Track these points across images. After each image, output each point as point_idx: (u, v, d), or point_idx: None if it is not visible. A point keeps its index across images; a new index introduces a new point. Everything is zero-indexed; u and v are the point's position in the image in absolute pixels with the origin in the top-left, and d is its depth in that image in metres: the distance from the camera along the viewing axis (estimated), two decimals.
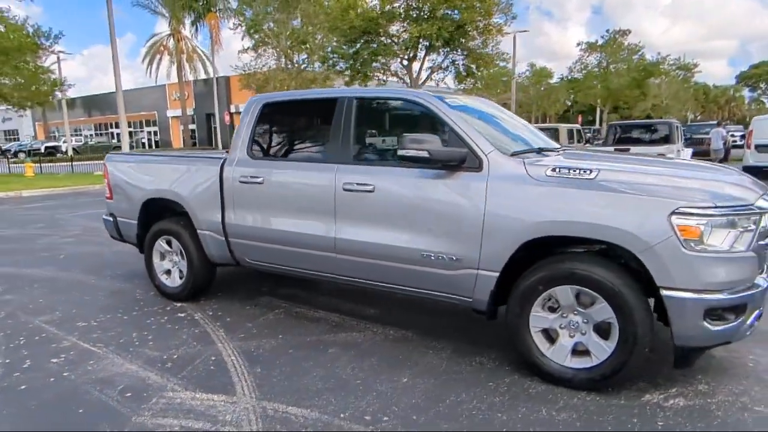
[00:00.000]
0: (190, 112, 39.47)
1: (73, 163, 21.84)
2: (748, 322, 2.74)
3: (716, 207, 2.61)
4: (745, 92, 74.05)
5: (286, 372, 3.24)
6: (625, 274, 2.79)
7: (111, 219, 5.18)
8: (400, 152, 3.16)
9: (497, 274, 3.06)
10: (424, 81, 23.45)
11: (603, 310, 2.81)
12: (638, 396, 2.87)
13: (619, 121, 18.54)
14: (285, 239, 3.91)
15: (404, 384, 3.06)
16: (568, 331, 2.97)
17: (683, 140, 13.95)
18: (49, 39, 18.55)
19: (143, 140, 48.02)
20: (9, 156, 29.69)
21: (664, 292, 2.65)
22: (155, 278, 4.81)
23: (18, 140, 49.52)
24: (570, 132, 14.64)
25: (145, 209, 4.78)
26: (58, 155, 33.73)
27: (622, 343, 2.77)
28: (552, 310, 3.01)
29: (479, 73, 23.57)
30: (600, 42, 41.90)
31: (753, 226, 2.67)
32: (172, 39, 35.58)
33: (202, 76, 39.17)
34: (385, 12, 20.78)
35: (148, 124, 48.22)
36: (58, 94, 24.50)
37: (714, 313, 2.63)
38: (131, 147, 37.02)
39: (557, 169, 2.96)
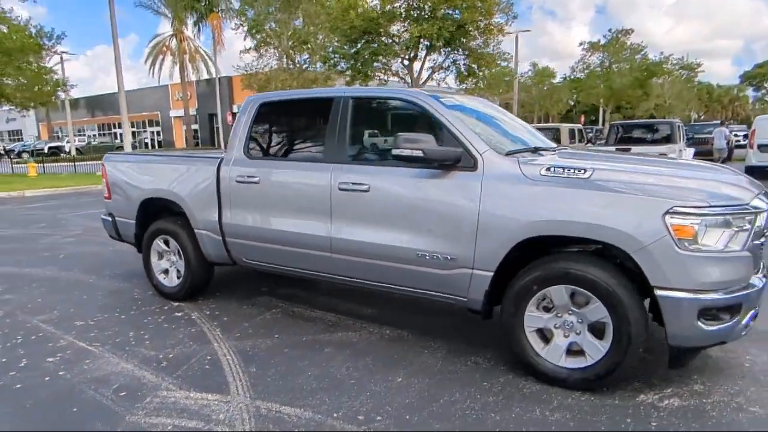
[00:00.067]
0: (192, 112, 39.59)
1: (76, 163, 21.90)
2: (744, 322, 2.73)
3: (711, 206, 2.60)
4: (749, 92, 73.69)
5: (281, 371, 3.24)
6: (619, 274, 2.78)
7: (109, 219, 5.19)
8: (395, 152, 3.16)
9: (492, 274, 3.05)
10: (425, 81, 23.43)
11: (597, 310, 2.80)
12: (633, 396, 2.86)
13: (621, 121, 18.49)
14: (281, 239, 3.91)
15: (398, 384, 3.06)
16: (562, 330, 2.97)
17: (685, 140, 13.91)
18: (51, 39, 18.63)
19: (146, 140, 48.14)
20: (12, 156, 29.78)
21: (658, 292, 2.64)
22: (153, 278, 4.82)
23: (22, 140, 49.72)
24: (571, 132, 14.61)
25: (143, 209, 4.79)
26: (62, 155, 33.83)
27: (616, 343, 2.76)
28: (547, 309, 3.01)
29: (481, 73, 23.52)
30: (602, 42, 41.81)
31: (748, 226, 2.66)
32: (174, 39, 35.69)
33: (205, 76, 39.27)
34: (385, 12, 20.76)
35: (150, 124, 48.35)
36: (61, 95, 24.59)
37: (708, 313, 2.61)
38: (134, 147, 37.11)
39: (552, 169, 2.96)
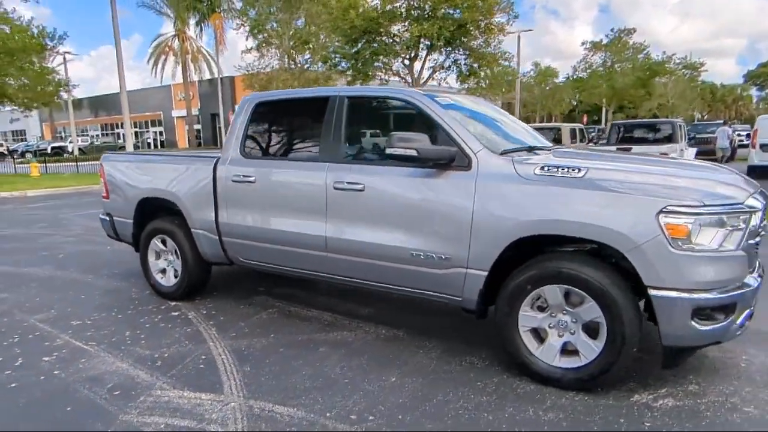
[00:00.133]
0: (195, 112, 39.66)
1: (79, 163, 21.97)
2: (738, 321, 2.71)
3: (705, 206, 2.58)
4: (753, 91, 73.38)
5: (275, 371, 3.24)
6: (613, 273, 2.76)
7: (107, 218, 5.21)
8: (389, 151, 3.15)
9: (486, 273, 3.04)
10: (426, 80, 23.40)
11: (591, 310, 2.79)
12: (627, 396, 2.84)
13: (622, 121, 18.43)
14: (277, 238, 3.91)
15: (392, 383, 3.05)
16: (557, 330, 2.95)
17: (687, 139, 13.86)
18: (53, 40, 18.67)
19: (149, 140, 48.25)
20: (15, 156, 29.91)
21: (651, 292, 2.62)
22: (150, 277, 4.83)
23: (25, 140, 49.90)
24: (573, 131, 14.56)
25: (141, 208, 4.79)
26: (65, 155, 33.94)
27: (610, 343, 2.75)
28: (541, 309, 3.00)
29: (483, 73, 23.47)
30: (605, 41, 41.68)
31: (743, 225, 2.64)
32: (177, 39, 35.81)
33: (207, 76, 39.39)
34: (386, 12, 20.74)
35: (153, 124, 48.45)
36: (64, 95, 24.64)
37: (702, 312, 2.60)
38: (136, 147, 37.20)
39: (546, 168, 2.94)
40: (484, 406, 2.77)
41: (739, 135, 23.66)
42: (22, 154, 35.48)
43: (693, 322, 2.59)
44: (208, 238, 4.33)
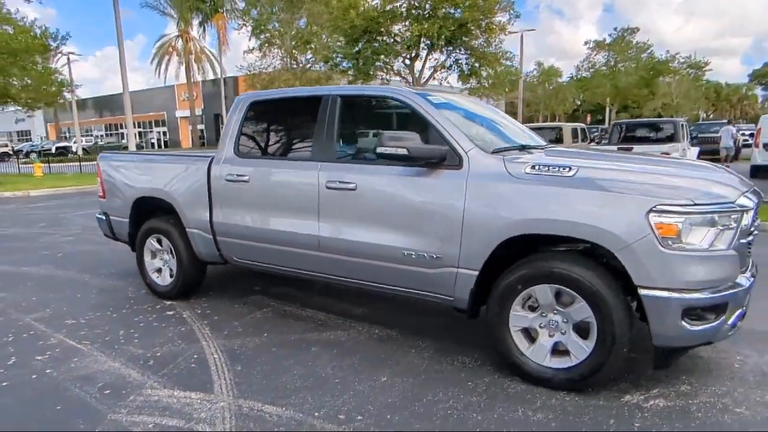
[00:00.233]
0: (198, 112, 39.81)
1: (82, 163, 22.04)
2: (730, 321, 2.69)
3: (695, 205, 2.56)
4: (758, 90, 73.00)
5: (267, 370, 3.24)
6: (604, 273, 2.75)
7: (104, 218, 5.22)
8: (379, 150, 3.14)
9: (477, 273, 3.03)
10: (427, 80, 23.35)
11: (582, 310, 2.77)
12: (618, 396, 2.83)
13: (623, 120, 18.33)
14: (270, 238, 3.91)
15: (383, 383, 3.04)
16: (547, 330, 2.94)
17: (689, 139, 13.79)
18: (56, 40, 18.75)
19: (153, 140, 48.40)
20: (20, 156, 30.07)
21: (642, 291, 2.61)
22: (146, 276, 4.84)
23: (30, 141, 50.15)
24: (574, 131, 14.50)
25: (137, 208, 4.80)
26: (69, 155, 34.10)
27: (600, 343, 2.73)
28: (532, 309, 2.98)
29: (485, 73, 23.40)
30: (608, 40, 41.48)
31: (734, 225, 2.62)
32: (180, 40, 35.93)
33: (211, 76, 39.50)
34: (386, 11, 20.72)
35: (157, 124, 48.63)
36: (67, 95, 24.75)
37: (693, 312, 2.58)
38: (140, 147, 37.31)
39: (536, 167, 2.93)
40: (474, 406, 2.76)
41: (743, 134, 23.51)
42: (27, 154, 35.66)
43: (683, 322, 2.57)
44: (202, 238, 4.33)
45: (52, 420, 2.72)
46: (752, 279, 2.83)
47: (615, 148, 11.28)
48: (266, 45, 23.42)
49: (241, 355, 3.47)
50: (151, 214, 4.81)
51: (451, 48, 22.15)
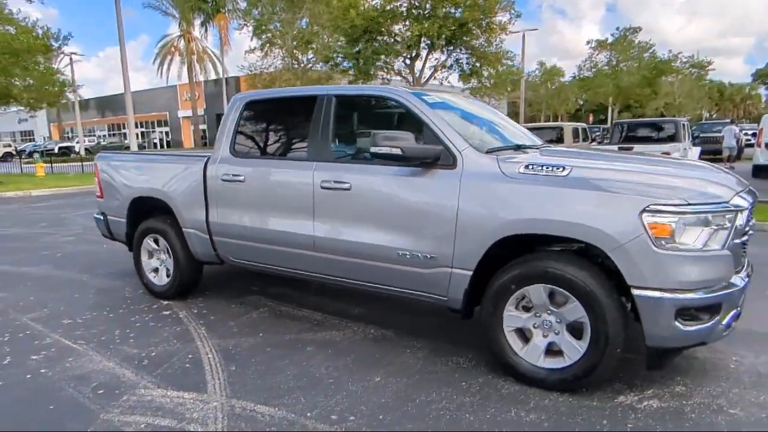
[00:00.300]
0: (200, 112, 39.86)
1: (84, 163, 22.10)
2: (724, 322, 2.67)
3: (689, 204, 2.55)
4: (762, 90, 72.66)
5: (261, 370, 3.23)
6: (597, 273, 2.73)
7: (102, 217, 5.23)
8: (373, 149, 3.14)
9: (471, 273, 3.02)
10: (428, 80, 23.32)
11: (575, 310, 2.76)
12: (612, 397, 2.81)
13: (624, 120, 18.28)
14: (266, 238, 3.91)
15: (376, 383, 3.04)
16: (541, 330, 2.93)
17: (691, 138, 13.74)
18: (58, 41, 18.80)
19: (155, 140, 48.50)
20: (23, 156, 30.16)
21: (635, 292, 2.59)
22: (143, 276, 4.84)
23: (33, 141, 50.32)
24: (575, 130, 14.45)
25: (134, 207, 4.81)
26: (72, 155, 34.20)
27: (593, 344, 2.71)
28: (526, 309, 2.97)
29: (486, 72, 23.36)
30: (610, 40, 41.35)
31: (728, 224, 2.61)
32: (182, 40, 36.00)
33: (213, 76, 39.56)
34: (386, 11, 20.70)
35: (159, 124, 48.72)
36: (69, 95, 24.81)
37: (686, 313, 2.56)
38: (142, 147, 37.41)
39: (530, 167, 2.92)
40: (467, 407, 2.75)
41: (746, 134, 23.40)
42: (30, 155, 35.75)
43: (677, 323, 2.56)
44: (199, 238, 4.33)
45: (45, 420, 2.72)
46: (747, 279, 2.82)
47: (616, 147, 11.25)
48: (267, 45, 23.43)
49: (236, 355, 3.47)
50: (148, 214, 4.81)
51: (451, 48, 22.12)
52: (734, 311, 2.73)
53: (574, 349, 2.80)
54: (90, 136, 49.69)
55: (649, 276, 2.55)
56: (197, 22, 35.07)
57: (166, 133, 48.27)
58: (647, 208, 2.54)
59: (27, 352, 3.58)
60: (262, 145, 4.32)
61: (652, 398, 2.79)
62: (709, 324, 2.61)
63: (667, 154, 9.72)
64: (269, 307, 4.47)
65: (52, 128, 52.84)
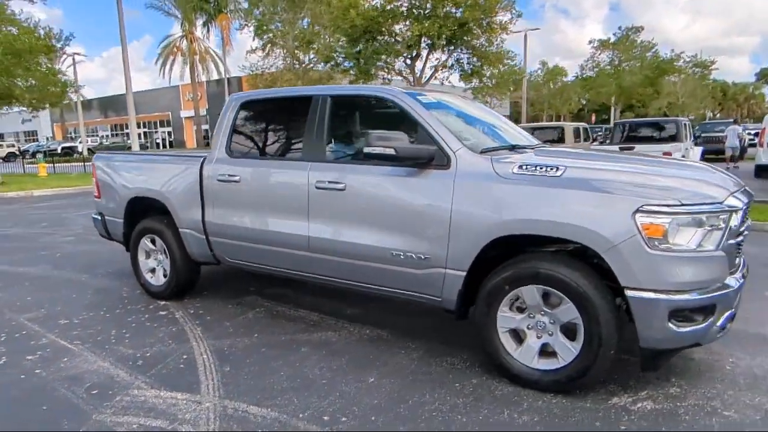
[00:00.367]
0: (203, 112, 39.90)
1: (86, 163, 22.16)
2: (719, 323, 2.66)
3: (682, 205, 2.53)
4: (765, 90, 72.44)
5: (255, 371, 3.23)
6: (591, 274, 2.72)
7: (99, 218, 5.24)
8: (366, 150, 3.13)
9: (464, 273, 3.01)
10: (428, 79, 23.29)
11: (569, 311, 2.75)
12: (606, 399, 2.80)
13: (625, 119, 18.24)
14: (261, 238, 3.90)
15: (369, 384, 3.03)
16: (535, 331, 2.91)
17: (692, 138, 13.68)
18: (60, 41, 18.85)
19: (158, 140, 48.59)
20: (27, 156, 30.28)
21: (628, 293, 2.58)
22: (140, 276, 4.85)
23: (37, 141, 50.49)
24: (576, 130, 14.42)
25: (131, 208, 4.81)
26: (74, 156, 34.30)
27: (587, 345, 2.70)
28: (520, 310, 2.96)
29: (488, 72, 23.30)
30: (612, 39, 41.22)
31: (722, 225, 2.59)
32: (184, 40, 36.04)
33: (215, 76, 39.59)
34: (386, 10, 20.68)
35: (162, 124, 48.79)
36: (72, 96, 24.88)
37: (680, 314, 2.55)
38: (144, 147, 37.48)
39: (524, 167, 2.90)
40: (459, 408, 2.74)
41: (749, 134, 23.30)
42: (33, 155, 35.88)
43: (671, 324, 2.54)
44: (195, 238, 4.33)
45: (37, 420, 2.73)
46: (742, 280, 2.80)
47: (617, 147, 11.21)
48: (269, 45, 23.44)
49: (230, 356, 3.46)
50: (145, 214, 4.81)
51: (452, 47, 22.08)
52: (729, 312, 2.71)
53: (568, 351, 2.78)
54: (93, 136, 49.80)
55: (643, 277, 2.53)
56: (199, 22, 35.11)
57: (169, 133, 48.34)
58: (640, 209, 2.52)
59: (22, 353, 3.58)
60: (257, 145, 4.32)
61: (646, 400, 2.78)
62: (703, 325, 2.59)
63: (669, 154, 9.68)
64: (266, 307, 4.46)
65: (56, 128, 53.00)
